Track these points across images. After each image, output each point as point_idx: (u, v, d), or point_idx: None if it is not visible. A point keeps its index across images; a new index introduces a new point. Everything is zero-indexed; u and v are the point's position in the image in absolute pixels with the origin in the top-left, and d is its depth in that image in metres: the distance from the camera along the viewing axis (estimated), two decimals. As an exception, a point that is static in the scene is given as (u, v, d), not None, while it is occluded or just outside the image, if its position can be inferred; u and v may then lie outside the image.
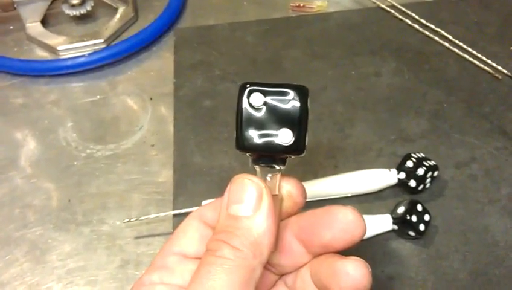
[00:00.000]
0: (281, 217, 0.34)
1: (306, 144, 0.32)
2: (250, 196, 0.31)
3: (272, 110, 0.32)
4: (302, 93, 0.32)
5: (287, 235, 0.34)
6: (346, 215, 0.32)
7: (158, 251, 0.50)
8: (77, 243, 0.52)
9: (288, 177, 0.35)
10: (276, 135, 0.31)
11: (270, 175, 0.33)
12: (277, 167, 0.33)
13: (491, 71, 0.60)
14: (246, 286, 0.29)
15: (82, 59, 0.65)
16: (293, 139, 0.31)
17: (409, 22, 0.66)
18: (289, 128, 0.31)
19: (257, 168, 0.33)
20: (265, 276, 0.35)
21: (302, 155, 0.33)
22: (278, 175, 0.33)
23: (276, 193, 0.33)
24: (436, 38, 0.64)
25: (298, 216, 0.34)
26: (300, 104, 0.32)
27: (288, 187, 0.34)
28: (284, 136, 0.31)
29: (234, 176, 0.32)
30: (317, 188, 0.50)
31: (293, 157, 0.33)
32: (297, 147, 0.32)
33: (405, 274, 0.47)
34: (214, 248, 0.30)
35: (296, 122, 0.32)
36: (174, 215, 0.51)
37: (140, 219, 0.51)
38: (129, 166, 0.57)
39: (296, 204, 0.34)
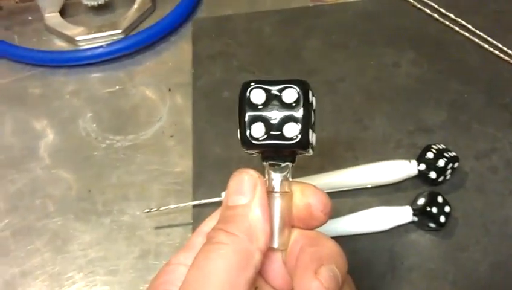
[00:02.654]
0: (291, 216, 0.34)
1: (310, 140, 0.32)
2: (246, 186, 0.32)
3: (275, 106, 0.32)
4: (303, 88, 0.32)
5: (294, 250, 0.34)
6: None
7: (178, 241, 0.51)
8: (98, 233, 0.52)
9: (316, 189, 0.34)
10: (280, 131, 0.32)
11: (279, 172, 0.33)
12: (286, 164, 0.33)
13: (511, 61, 0.59)
14: (243, 270, 0.29)
15: (100, 50, 0.65)
16: (298, 134, 0.31)
17: (428, 11, 0.65)
18: (294, 123, 0.31)
19: (266, 165, 0.33)
20: None
21: (310, 153, 0.33)
22: (288, 172, 0.33)
23: (287, 189, 0.33)
24: (456, 28, 0.63)
25: (305, 246, 0.33)
26: (303, 99, 0.32)
27: (310, 199, 0.33)
28: (289, 131, 0.31)
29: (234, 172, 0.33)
30: (337, 179, 0.50)
31: (300, 154, 0.33)
32: (300, 143, 0.32)
33: (425, 266, 0.47)
34: (212, 236, 0.31)
35: (299, 117, 0.32)
36: (194, 206, 0.52)
37: (160, 209, 0.51)
38: (148, 157, 0.57)
39: (314, 218, 0.34)
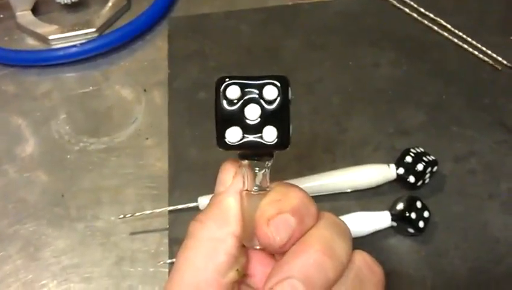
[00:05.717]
0: None
1: (290, 137, 0.31)
2: (227, 175, 0.32)
3: (253, 105, 0.30)
4: (284, 84, 0.30)
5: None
6: None
7: (153, 247, 0.49)
8: (71, 239, 0.51)
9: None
10: (260, 132, 0.30)
11: (258, 169, 0.32)
12: (265, 161, 0.32)
13: (491, 62, 0.59)
14: (212, 257, 0.30)
15: (74, 49, 0.64)
16: (277, 135, 0.30)
17: (407, 10, 0.65)
18: (273, 125, 0.30)
19: (244, 164, 0.32)
20: None
21: (287, 149, 0.31)
22: (267, 168, 0.32)
23: (266, 187, 0.32)
24: (435, 28, 0.63)
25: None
26: (283, 96, 0.30)
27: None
28: (269, 134, 0.30)
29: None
30: (315, 183, 0.50)
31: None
32: (281, 143, 0.30)
33: (404, 271, 0.46)
34: (189, 225, 0.32)
35: (280, 117, 0.30)
36: (170, 211, 0.51)
37: (135, 215, 0.50)
38: (123, 160, 0.56)
39: None
